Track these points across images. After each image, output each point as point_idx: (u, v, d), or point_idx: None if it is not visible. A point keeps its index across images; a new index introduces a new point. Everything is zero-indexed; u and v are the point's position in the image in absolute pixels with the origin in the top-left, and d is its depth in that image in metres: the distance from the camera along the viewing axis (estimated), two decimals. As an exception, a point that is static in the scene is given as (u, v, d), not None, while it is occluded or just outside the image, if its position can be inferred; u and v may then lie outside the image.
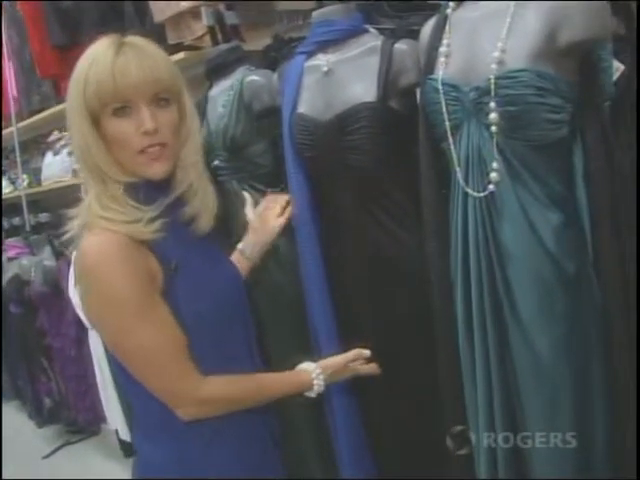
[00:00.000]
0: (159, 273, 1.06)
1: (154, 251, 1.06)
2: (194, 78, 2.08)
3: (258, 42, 2.11)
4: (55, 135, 3.35)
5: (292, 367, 1.28)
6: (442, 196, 1.36)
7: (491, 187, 1.22)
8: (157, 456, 1.14)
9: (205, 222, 1.18)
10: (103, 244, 1.03)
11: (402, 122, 1.47)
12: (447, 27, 1.31)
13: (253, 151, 1.81)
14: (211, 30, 2.14)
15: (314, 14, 1.59)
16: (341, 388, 1.59)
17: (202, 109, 1.87)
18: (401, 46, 1.46)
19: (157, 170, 1.08)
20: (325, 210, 1.60)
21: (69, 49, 2.97)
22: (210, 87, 1.96)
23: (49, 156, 3.44)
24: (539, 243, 1.20)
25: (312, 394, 1.25)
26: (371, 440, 1.65)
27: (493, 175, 1.21)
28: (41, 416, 3.41)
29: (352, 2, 1.60)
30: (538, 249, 1.20)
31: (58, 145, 3.32)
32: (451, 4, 1.32)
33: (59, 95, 3.28)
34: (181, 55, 2.27)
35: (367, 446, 1.65)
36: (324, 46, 1.57)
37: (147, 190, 1.09)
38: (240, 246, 1.50)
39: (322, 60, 1.56)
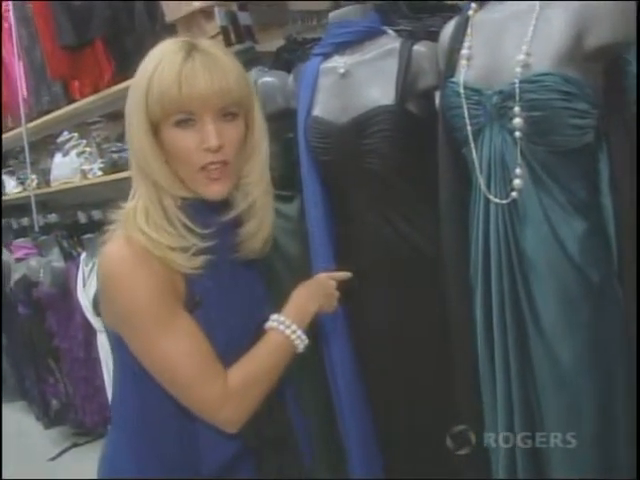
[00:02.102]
0: (183, 293, 1.01)
1: (183, 274, 1.01)
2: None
3: (271, 43, 2.09)
4: (64, 136, 3.33)
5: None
6: (461, 202, 1.33)
7: (514, 194, 1.19)
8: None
9: (255, 245, 1.11)
10: (126, 252, 0.98)
11: (420, 126, 1.44)
12: (469, 29, 1.28)
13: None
14: (224, 31, 2.12)
15: (330, 15, 1.56)
16: (352, 388, 1.56)
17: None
18: (420, 48, 1.43)
19: (215, 192, 1.02)
20: (340, 214, 1.57)
21: (80, 49, 2.96)
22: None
23: (58, 157, 3.43)
24: (563, 251, 1.17)
25: (299, 350, 1.11)
26: (381, 440, 1.61)
27: (516, 182, 1.18)
28: (48, 417, 3.39)
29: (369, 3, 1.57)
30: (562, 257, 1.17)
31: (67, 146, 3.30)
32: (473, 5, 1.29)
33: (69, 96, 3.27)
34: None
35: (378, 446, 1.61)
36: (341, 48, 1.54)
37: (203, 209, 1.03)
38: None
39: (339, 62, 1.53)
